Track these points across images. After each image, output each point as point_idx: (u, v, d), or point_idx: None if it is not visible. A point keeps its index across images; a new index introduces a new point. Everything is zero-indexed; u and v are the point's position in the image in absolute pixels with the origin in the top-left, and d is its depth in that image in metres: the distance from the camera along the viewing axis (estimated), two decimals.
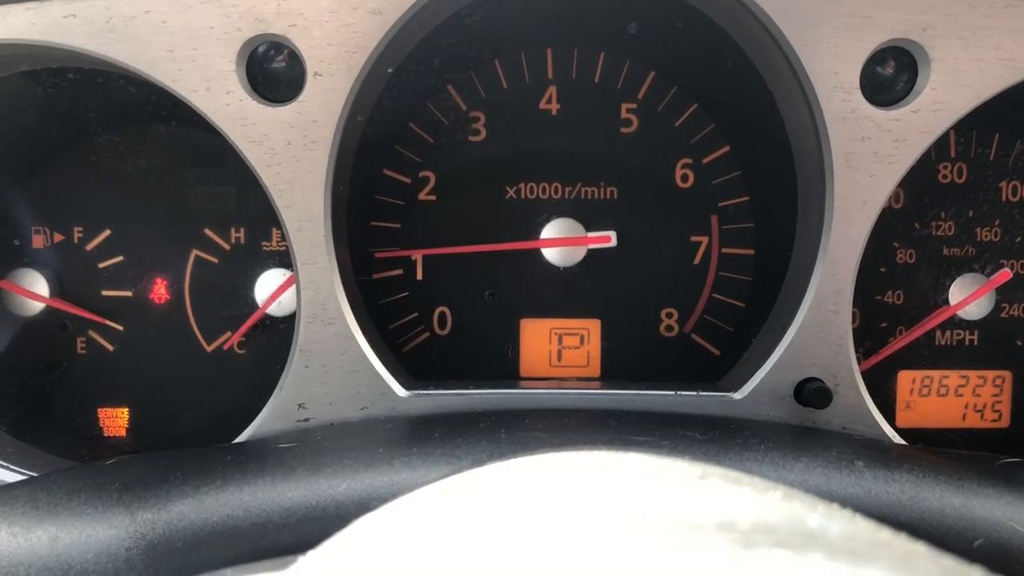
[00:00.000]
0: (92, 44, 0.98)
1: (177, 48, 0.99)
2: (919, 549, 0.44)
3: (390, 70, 1.10)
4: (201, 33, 0.99)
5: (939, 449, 1.08)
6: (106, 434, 1.32)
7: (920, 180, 1.31)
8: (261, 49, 1.03)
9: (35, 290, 1.28)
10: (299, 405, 1.10)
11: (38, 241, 1.29)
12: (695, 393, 1.13)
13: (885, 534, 0.46)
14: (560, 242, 1.30)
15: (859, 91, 1.02)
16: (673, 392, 1.13)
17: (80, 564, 0.79)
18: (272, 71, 1.03)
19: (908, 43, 1.01)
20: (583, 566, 0.38)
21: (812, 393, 1.09)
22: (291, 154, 1.02)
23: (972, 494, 0.86)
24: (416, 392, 1.11)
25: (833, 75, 1.02)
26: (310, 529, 0.82)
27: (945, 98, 1.02)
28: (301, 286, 1.07)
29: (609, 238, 1.30)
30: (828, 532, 0.44)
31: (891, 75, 1.05)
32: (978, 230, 1.33)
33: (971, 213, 1.33)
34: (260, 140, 1.02)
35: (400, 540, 0.49)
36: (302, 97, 1.01)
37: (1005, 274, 1.29)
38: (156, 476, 0.89)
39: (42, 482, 0.90)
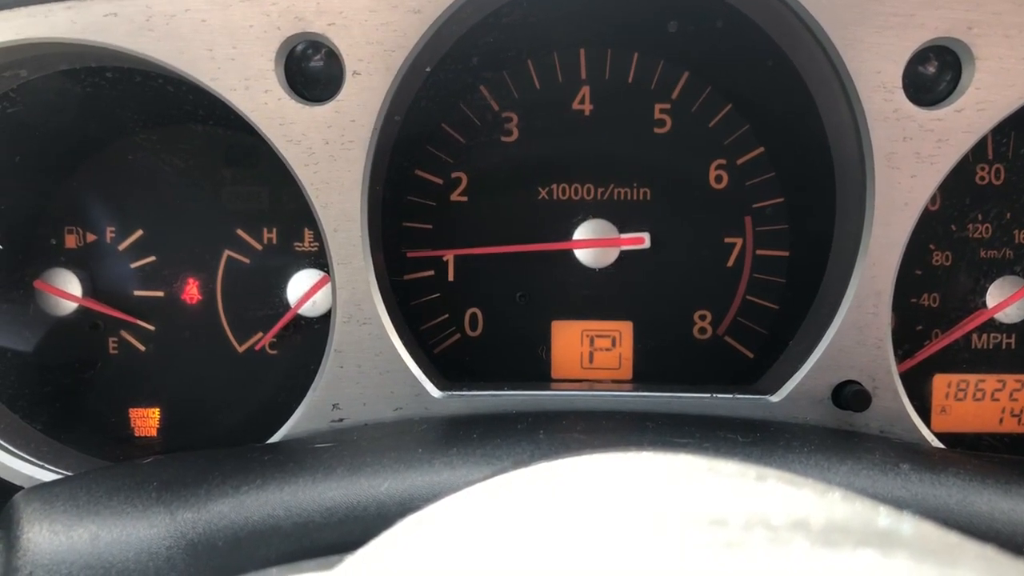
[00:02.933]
0: (132, 43, 0.99)
1: (216, 47, 0.99)
2: (991, 552, 0.43)
3: (428, 69, 1.10)
4: (240, 32, 0.99)
5: (981, 453, 1.07)
6: (137, 434, 1.32)
7: (957, 181, 1.29)
8: (300, 48, 1.02)
9: (68, 290, 1.28)
10: (333, 405, 1.09)
11: (71, 241, 1.30)
12: (731, 396, 1.12)
13: (954, 537, 0.45)
14: (593, 243, 1.29)
15: (901, 91, 1.01)
16: (709, 395, 1.12)
17: (121, 563, 0.79)
18: (310, 70, 1.03)
19: (952, 42, 1.00)
20: (659, 567, 0.38)
21: (851, 396, 1.08)
22: (328, 153, 1.02)
23: (1021, 498, 0.85)
24: (450, 393, 1.11)
25: (875, 74, 1.01)
26: (352, 529, 0.82)
27: (989, 97, 1.01)
28: (337, 286, 1.07)
29: (642, 239, 1.29)
30: (901, 532, 0.43)
31: (934, 74, 1.04)
32: (1016, 232, 1.31)
33: (1009, 215, 1.31)
34: (298, 139, 1.02)
35: (447, 541, 0.48)
36: (340, 96, 1.01)
37: None
38: (194, 475, 0.88)
39: (81, 480, 0.89)
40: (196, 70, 1.00)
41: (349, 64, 1.00)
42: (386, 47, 1.00)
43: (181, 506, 0.83)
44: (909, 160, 1.03)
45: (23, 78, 1.12)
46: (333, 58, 1.01)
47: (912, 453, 0.97)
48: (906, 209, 1.04)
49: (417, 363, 1.10)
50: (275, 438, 1.11)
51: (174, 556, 0.80)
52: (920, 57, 1.02)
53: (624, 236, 1.29)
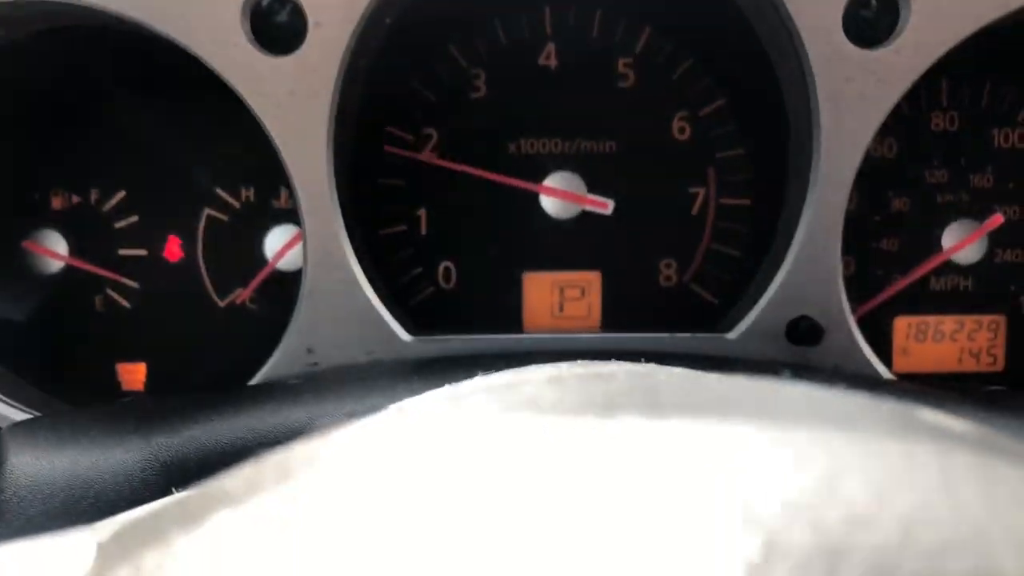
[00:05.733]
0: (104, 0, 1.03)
1: (185, 2, 1.04)
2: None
3: (388, 20, 1.14)
4: None
5: (926, 383, 1.11)
6: (124, 387, 1.37)
7: (913, 129, 1.33)
8: (265, 2, 1.07)
9: (55, 250, 1.33)
10: (308, 349, 1.14)
11: (57, 203, 1.34)
12: (690, 335, 1.17)
13: None
14: (557, 193, 1.33)
15: (842, 32, 1.05)
16: (668, 335, 1.17)
17: (99, 483, 0.84)
18: (275, 22, 1.07)
19: None
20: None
21: (803, 331, 1.13)
22: (295, 103, 1.07)
23: (952, 411, 0.89)
24: (420, 337, 1.15)
25: (817, 17, 1.05)
26: None
27: (926, 37, 1.05)
28: (307, 233, 1.11)
29: (606, 204, 1.33)
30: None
31: (873, 16, 1.08)
32: (971, 177, 1.35)
33: (964, 160, 1.35)
34: (265, 91, 1.07)
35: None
36: (304, 47, 1.06)
37: (997, 219, 1.32)
38: (170, 407, 0.93)
39: (63, 415, 0.95)
40: (165, 25, 1.04)
41: (311, 15, 1.05)
42: None
43: (155, 433, 0.88)
44: (852, 100, 1.07)
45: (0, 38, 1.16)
46: (296, 10, 1.05)
47: (858, 379, 1.02)
48: (852, 147, 1.08)
49: (388, 309, 1.15)
50: (253, 382, 1.15)
51: (148, 476, 0.85)
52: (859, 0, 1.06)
53: (589, 196, 1.34)
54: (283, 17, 1.07)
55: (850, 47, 1.06)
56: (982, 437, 0.36)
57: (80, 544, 0.39)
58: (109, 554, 0.37)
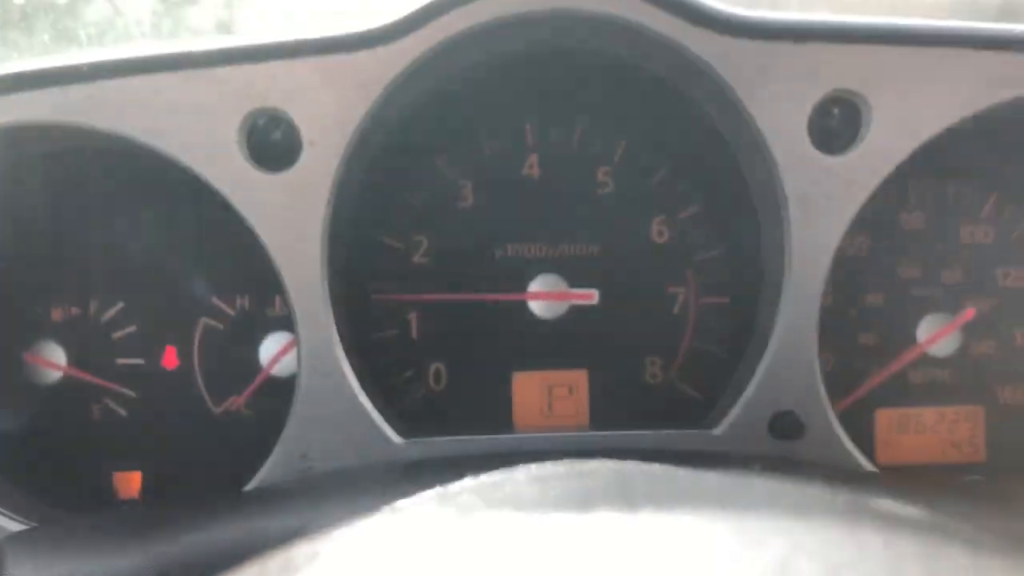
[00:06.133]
0: (108, 123, 1.09)
1: (185, 124, 1.10)
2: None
3: (378, 137, 1.20)
4: (206, 109, 1.09)
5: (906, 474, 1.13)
6: (120, 496, 1.38)
7: (884, 227, 1.39)
8: (261, 122, 1.13)
9: (54, 360, 1.36)
10: (301, 455, 1.16)
11: (57, 314, 1.38)
12: (676, 431, 1.19)
13: None
14: (544, 295, 1.38)
15: (808, 140, 1.12)
16: (653, 431, 1.19)
17: None
18: (271, 141, 1.13)
19: (849, 93, 1.11)
20: None
21: (785, 426, 1.16)
22: (290, 217, 1.12)
23: (932, 503, 0.92)
24: (412, 440, 1.17)
25: (783, 127, 1.11)
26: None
27: (887, 143, 1.11)
28: (301, 341, 1.15)
29: (591, 295, 1.38)
30: None
31: (836, 125, 1.14)
32: (942, 272, 1.40)
33: (934, 257, 1.40)
34: (261, 207, 1.12)
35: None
36: (298, 165, 1.11)
37: (969, 313, 1.37)
38: (167, 515, 0.95)
39: (62, 524, 0.97)
40: (167, 146, 1.10)
41: (305, 135, 1.10)
42: (338, 119, 1.10)
43: (153, 542, 0.90)
44: (820, 203, 1.12)
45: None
46: (291, 130, 1.11)
47: (838, 472, 1.04)
48: (822, 247, 1.14)
49: (380, 412, 1.18)
50: (248, 487, 1.17)
51: None
52: (823, 108, 1.12)
53: (574, 291, 1.38)
54: (278, 136, 1.13)
55: (816, 154, 1.12)
56: (931, 522, 0.39)
57: None
58: None
